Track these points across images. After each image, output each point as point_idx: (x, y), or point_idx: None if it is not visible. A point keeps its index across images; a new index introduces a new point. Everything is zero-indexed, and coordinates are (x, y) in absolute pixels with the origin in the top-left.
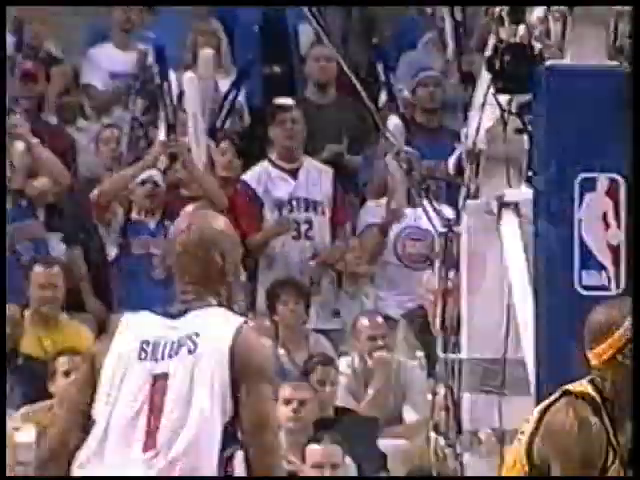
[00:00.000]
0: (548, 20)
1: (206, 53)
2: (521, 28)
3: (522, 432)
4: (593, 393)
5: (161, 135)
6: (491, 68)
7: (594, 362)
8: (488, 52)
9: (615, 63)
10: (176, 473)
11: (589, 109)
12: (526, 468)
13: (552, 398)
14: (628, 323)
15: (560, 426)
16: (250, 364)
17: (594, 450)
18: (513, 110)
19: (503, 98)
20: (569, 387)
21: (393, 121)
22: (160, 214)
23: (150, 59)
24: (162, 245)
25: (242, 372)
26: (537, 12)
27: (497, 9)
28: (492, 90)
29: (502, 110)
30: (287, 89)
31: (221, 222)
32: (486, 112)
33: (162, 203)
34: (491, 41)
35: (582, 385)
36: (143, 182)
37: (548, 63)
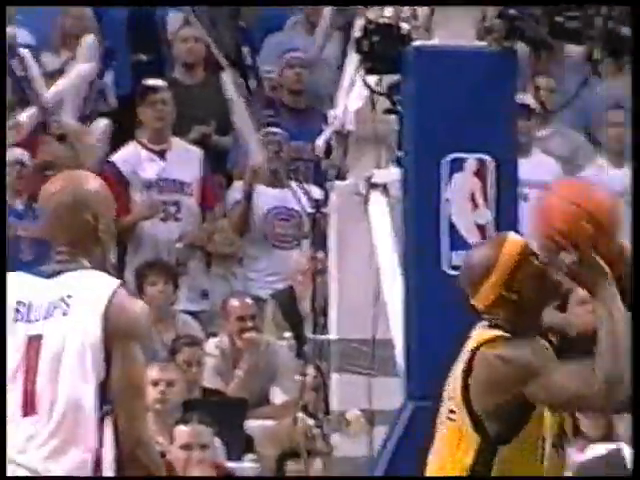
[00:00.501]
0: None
1: (88, 38)
2: (389, 9)
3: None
4: (500, 332)
5: (23, 116)
6: (360, 49)
7: (481, 307)
8: (357, 33)
9: (483, 43)
10: (59, 438)
11: (458, 90)
12: (467, 420)
13: (465, 357)
14: (504, 258)
15: (492, 357)
16: (123, 325)
17: (534, 357)
18: (382, 91)
19: (372, 79)
20: (476, 341)
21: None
22: (27, 196)
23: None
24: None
25: (115, 333)
26: None
27: None
28: (361, 71)
29: (371, 91)
30: (156, 75)
31: (94, 183)
32: (355, 93)
33: (30, 184)
34: (359, 22)
35: (485, 332)
36: (10, 163)
37: (416, 44)
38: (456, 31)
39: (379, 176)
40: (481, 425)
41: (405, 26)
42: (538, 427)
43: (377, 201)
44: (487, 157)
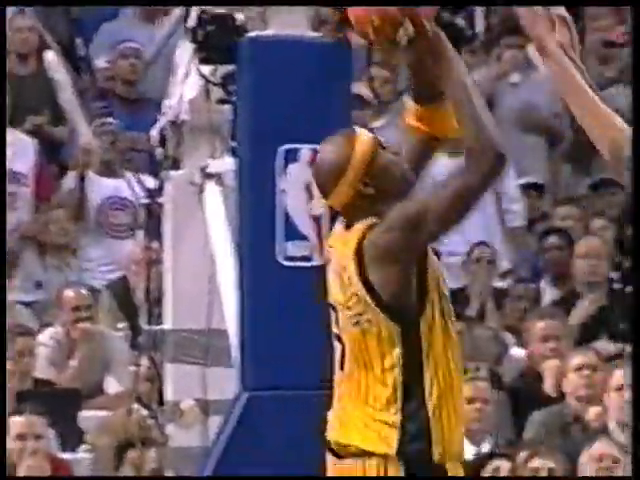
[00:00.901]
0: None
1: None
2: None
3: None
4: (369, 220)
5: None
6: (194, 39)
7: (337, 205)
8: (191, 23)
9: (318, 34)
10: None
11: (292, 80)
12: (380, 315)
13: (349, 258)
14: (358, 154)
15: (379, 233)
16: None
17: (410, 205)
18: (216, 81)
19: (206, 69)
20: (355, 237)
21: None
22: None
23: None
24: None
25: None
26: None
27: None
28: (195, 61)
29: (205, 81)
30: None
31: None
32: (189, 83)
33: None
34: (194, 12)
35: (356, 227)
36: None
37: (251, 34)
38: (291, 21)
39: (214, 166)
40: (392, 309)
41: (240, 16)
42: (439, 296)
43: (212, 191)
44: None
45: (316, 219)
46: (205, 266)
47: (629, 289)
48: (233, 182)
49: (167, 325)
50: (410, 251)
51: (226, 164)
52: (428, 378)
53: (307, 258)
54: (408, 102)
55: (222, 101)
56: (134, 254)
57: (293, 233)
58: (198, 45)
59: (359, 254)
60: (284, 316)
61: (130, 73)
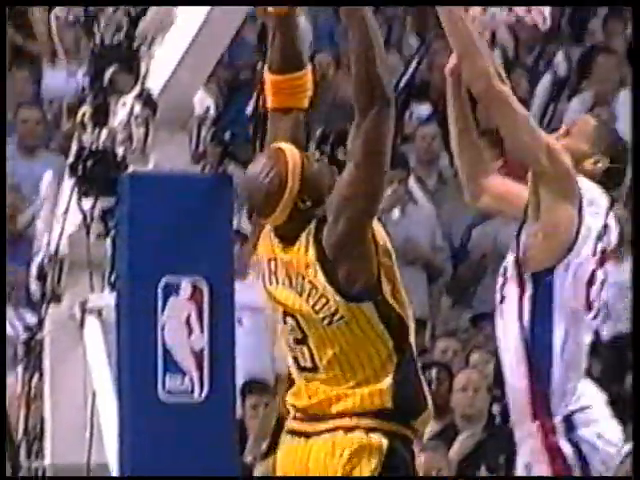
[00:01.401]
0: (131, 125)
1: None
2: (104, 133)
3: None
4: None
5: None
6: (74, 173)
7: (276, 223)
8: (70, 158)
9: (198, 168)
10: None
11: (173, 215)
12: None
13: (311, 256)
14: (292, 171)
15: (328, 225)
16: None
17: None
18: (96, 215)
19: (86, 203)
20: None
21: None
22: None
23: None
24: None
25: None
26: (120, 116)
27: (80, 112)
28: (75, 195)
29: (84, 216)
30: None
31: None
32: (69, 217)
33: None
34: (74, 147)
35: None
36: None
37: (131, 168)
38: (171, 155)
39: (93, 301)
40: (362, 297)
41: (120, 150)
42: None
43: (92, 326)
44: (202, 281)
45: (197, 353)
46: (85, 401)
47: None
48: (113, 317)
49: (47, 460)
50: (362, 229)
51: (106, 299)
52: (411, 335)
53: (188, 392)
54: (266, 74)
55: (101, 235)
56: (13, 390)
57: (173, 367)
58: (78, 179)
59: (321, 258)
60: (164, 451)
61: (8, 207)
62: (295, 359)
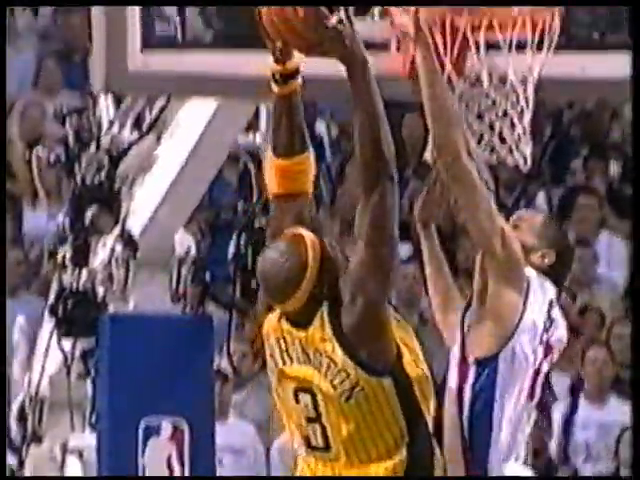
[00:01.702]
0: (111, 266)
1: None
2: (84, 273)
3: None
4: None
5: None
6: (54, 314)
7: (290, 309)
8: (51, 299)
9: (178, 310)
10: None
11: (153, 355)
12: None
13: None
14: (313, 258)
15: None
16: None
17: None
18: (76, 355)
19: (67, 343)
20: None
21: None
22: None
23: None
24: None
25: None
26: (100, 257)
27: (60, 253)
28: (55, 336)
29: (65, 356)
30: None
31: None
32: (50, 358)
33: None
34: (54, 287)
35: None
36: None
37: (111, 309)
38: (152, 295)
39: (74, 441)
40: (383, 370)
41: (100, 291)
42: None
43: (73, 466)
44: (183, 422)
45: None
46: None
47: None
48: (94, 457)
49: None
50: (380, 307)
51: (87, 439)
52: (425, 405)
53: None
54: (269, 155)
55: (82, 376)
56: None
57: None
58: (58, 320)
59: (339, 335)
60: None
61: None
62: (306, 438)
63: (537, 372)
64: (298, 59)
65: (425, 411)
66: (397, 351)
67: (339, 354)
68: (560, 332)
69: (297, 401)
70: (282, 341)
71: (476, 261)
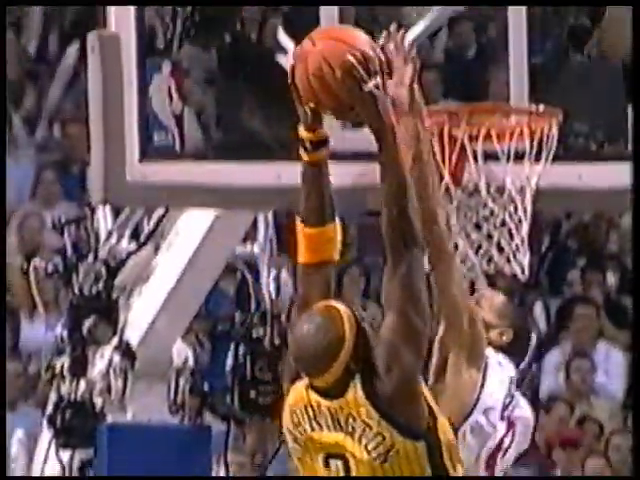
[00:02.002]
0: (109, 376)
1: None
2: (82, 384)
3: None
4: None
5: None
6: (52, 424)
7: (323, 385)
8: (49, 409)
9: (176, 420)
10: None
11: (152, 464)
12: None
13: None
14: (349, 332)
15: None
16: None
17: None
18: (75, 466)
19: (65, 454)
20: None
21: None
22: None
23: None
24: None
25: None
26: (98, 367)
27: (58, 363)
28: (54, 447)
29: (63, 467)
30: None
31: None
32: (47, 468)
33: None
34: (52, 398)
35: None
36: None
37: (109, 419)
38: (150, 405)
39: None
40: (419, 431)
41: (98, 401)
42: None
43: None
44: None
45: None
46: None
47: None
48: None
49: None
50: (416, 373)
51: None
52: (453, 470)
53: None
54: (298, 224)
55: None
56: None
57: None
58: (56, 431)
59: (374, 400)
60: None
61: None
62: None
63: (498, 447)
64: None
65: (453, 475)
66: (431, 414)
67: (375, 418)
68: (523, 411)
69: (327, 465)
70: (310, 409)
71: (436, 336)
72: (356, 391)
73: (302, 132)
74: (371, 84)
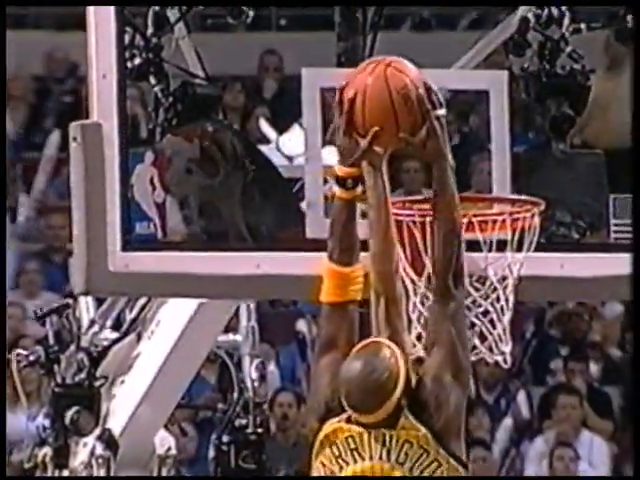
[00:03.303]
0: (92, 466)
1: None
2: (65, 473)
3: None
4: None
5: None
6: None
7: (374, 421)
8: None
9: None
10: None
11: None
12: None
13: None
14: (402, 369)
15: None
16: None
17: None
18: None
19: None
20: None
21: None
22: None
23: None
24: None
25: None
26: (80, 457)
27: (41, 454)
28: None
29: None
30: None
31: None
32: None
33: None
34: None
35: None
36: None
37: None
38: None
39: None
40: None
41: None
42: None
43: None
44: None
45: None
46: None
47: None
48: None
49: None
50: (464, 402)
51: None
52: None
53: None
54: (326, 263)
55: None
56: None
57: None
58: None
59: (430, 433)
60: None
61: None
62: None
63: None
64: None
65: None
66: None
67: (432, 445)
68: None
69: None
70: (351, 440)
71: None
72: (410, 421)
73: (343, 169)
74: (441, 112)
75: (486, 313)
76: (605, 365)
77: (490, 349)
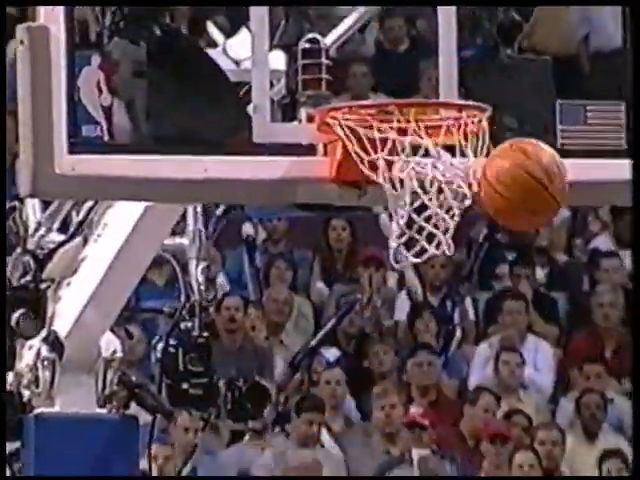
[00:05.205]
0: (37, 368)
1: None
2: (10, 376)
3: None
4: None
5: None
6: None
7: None
8: None
9: (104, 410)
10: None
11: (79, 455)
12: None
13: None
14: None
15: None
16: None
17: None
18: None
19: None
20: None
21: None
22: None
23: None
24: None
25: None
26: (26, 360)
27: None
28: None
29: None
30: None
31: None
32: None
33: None
34: None
35: None
36: None
37: (36, 411)
38: (77, 397)
39: None
40: None
41: (26, 393)
42: None
43: None
44: None
45: None
46: None
47: None
48: None
49: None
50: None
51: None
52: None
53: None
54: None
55: None
56: None
57: None
58: None
59: None
60: None
61: None
62: None
63: None
64: None
65: None
66: None
67: None
68: None
69: None
70: None
71: None
72: None
73: None
74: None
75: (433, 216)
76: (551, 270)
77: (437, 246)
